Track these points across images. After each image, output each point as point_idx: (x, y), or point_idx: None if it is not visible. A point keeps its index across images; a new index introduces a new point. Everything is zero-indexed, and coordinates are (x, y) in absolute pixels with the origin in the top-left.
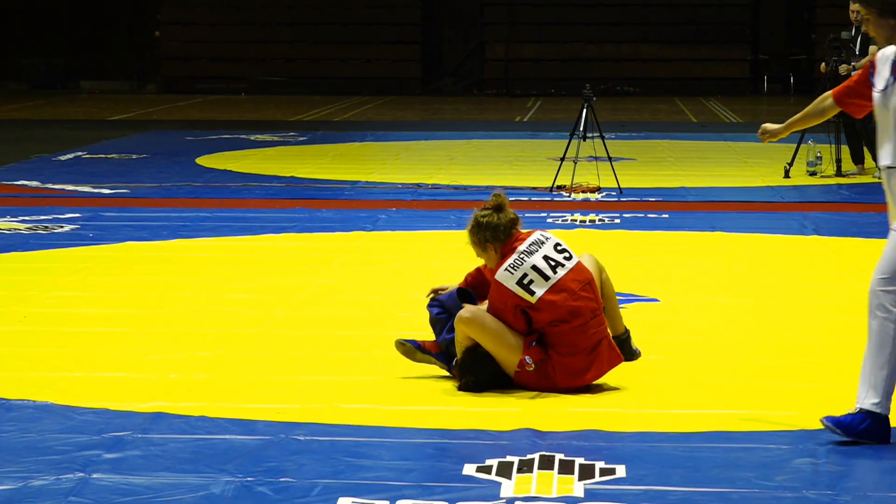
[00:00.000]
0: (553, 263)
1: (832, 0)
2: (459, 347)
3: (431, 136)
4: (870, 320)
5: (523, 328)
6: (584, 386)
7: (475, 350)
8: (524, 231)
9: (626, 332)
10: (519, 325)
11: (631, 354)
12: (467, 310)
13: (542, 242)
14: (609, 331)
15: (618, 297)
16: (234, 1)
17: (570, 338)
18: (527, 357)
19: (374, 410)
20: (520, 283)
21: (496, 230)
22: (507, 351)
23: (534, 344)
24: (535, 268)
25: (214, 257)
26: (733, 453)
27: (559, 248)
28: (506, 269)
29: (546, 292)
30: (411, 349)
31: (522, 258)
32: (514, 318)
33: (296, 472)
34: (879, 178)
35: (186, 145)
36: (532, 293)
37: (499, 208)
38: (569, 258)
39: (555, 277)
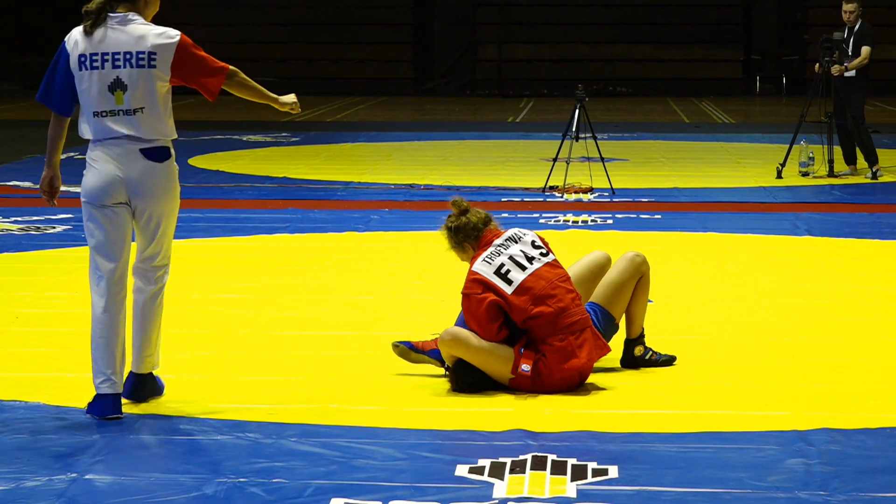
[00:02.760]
0: (529, 257)
1: (825, 0)
2: (448, 362)
3: (424, 136)
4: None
5: (495, 325)
6: (576, 385)
7: (463, 361)
8: (500, 230)
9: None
10: (492, 322)
11: (641, 361)
12: (448, 332)
13: (519, 238)
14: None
15: None
16: (226, 1)
17: (554, 323)
18: (523, 366)
19: (367, 411)
20: (497, 272)
21: (467, 229)
22: (497, 363)
23: (523, 350)
24: (511, 258)
25: (207, 258)
26: (726, 454)
27: (535, 244)
28: (483, 260)
29: (523, 281)
30: (405, 350)
31: (499, 250)
32: (488, 314)
33: (288, 473)
34: (871, 179)
35: (178, 146)
36: (510, 282)
37: (464, 212)
38: (545, 254)
39: (531, 268)
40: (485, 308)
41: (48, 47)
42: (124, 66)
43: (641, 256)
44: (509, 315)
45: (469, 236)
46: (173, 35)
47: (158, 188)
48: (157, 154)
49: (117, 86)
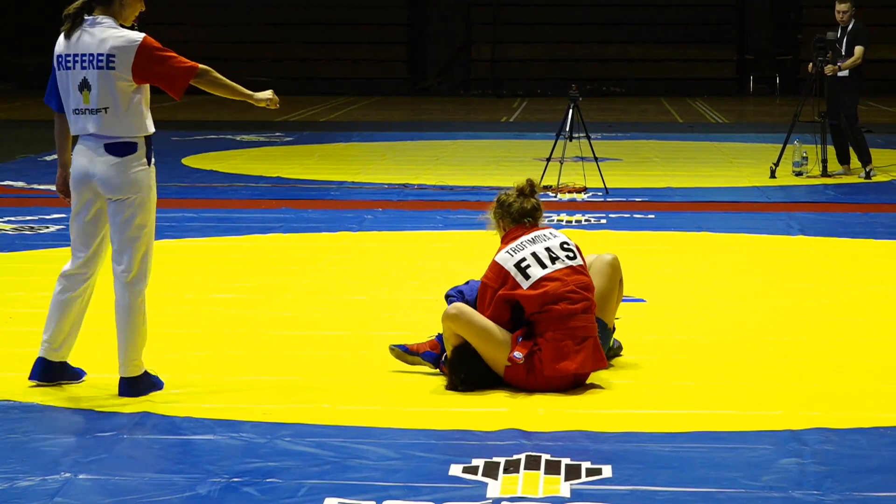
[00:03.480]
0: (553, 257)
1: (819, 0)
2: (448, 344)
3: (418, 136)
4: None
5: (501, 315)
6: (570, 386)
7: (464, 348)
8: (539, 227)
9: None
10: (497, 317)
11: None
12: (454, 306)
13: (548, 238)
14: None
15: None
16: (221, 1)
17: (558, 322)
18: (516, 353)
19: (361, 411)
20: (517, 265)
21: (506, 210)
22: (495, 348)
23: (521, 339)
24: (534, 255)
25: (201, 258)
26: (719, 453)
27: (565, 246)
28: (506, 251)
29: (540, 279)
30: (401, 353)
31: (524, 245)
32: (496, 308)
33: (282, 473)
34: (865, 179)
35: (172, 146)
36: (527, 277)
37: (523, 193)
38: (572, 258)
39: (551, 268)
40: (494, 303)
41: (46, 48)
42: (89, 68)
43: (614, 256)
44: (523, 307)
45: (504, 216)
46: (135, 38)
47: (122, 182)
48: (119, 149)
49: (84, 86)
